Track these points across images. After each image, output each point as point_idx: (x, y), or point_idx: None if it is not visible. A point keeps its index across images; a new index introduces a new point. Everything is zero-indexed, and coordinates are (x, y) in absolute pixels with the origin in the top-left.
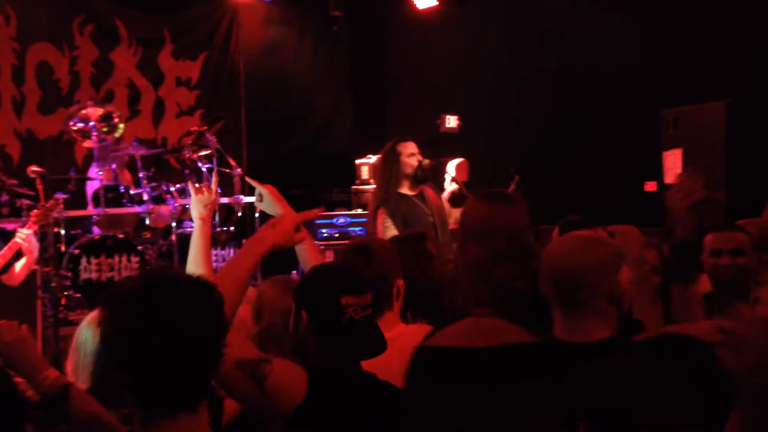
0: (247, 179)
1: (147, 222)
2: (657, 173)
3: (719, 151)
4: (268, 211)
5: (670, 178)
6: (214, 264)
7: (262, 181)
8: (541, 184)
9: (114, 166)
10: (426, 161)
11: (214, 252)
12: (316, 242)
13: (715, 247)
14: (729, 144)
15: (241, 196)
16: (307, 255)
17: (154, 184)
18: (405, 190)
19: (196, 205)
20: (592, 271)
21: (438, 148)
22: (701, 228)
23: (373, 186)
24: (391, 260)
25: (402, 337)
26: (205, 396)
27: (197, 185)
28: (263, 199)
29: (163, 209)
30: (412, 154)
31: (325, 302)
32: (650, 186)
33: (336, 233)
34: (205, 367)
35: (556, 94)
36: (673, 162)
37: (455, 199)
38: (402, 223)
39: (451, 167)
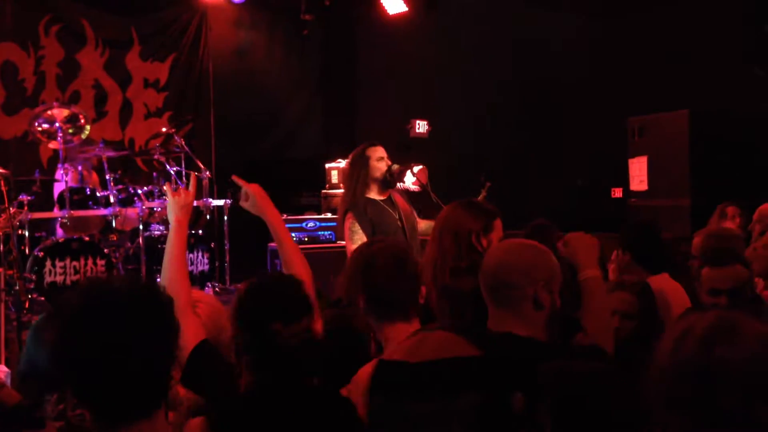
0: (234, 179)
1: (114, 225)
2: (623, 180)
3: (683, 158)
4: (253, 210)
5: (635, 185)
6: None
7: (231, 184)
8: (509, 190)
9: (80, 167)
10: (395, 166)
11: None
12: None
13: (713, 286)
14: (693, 151)
15: (210, 199)
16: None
17: (121, 186)
18: (373, 194)
19: (173, 207)
20: (519, 274)
21: (408, 153)
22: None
23: (342, 190)
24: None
25: None
26: (162, 399)
27: (174, 187)
28: (248, 198)
29: (130, 212)
30: (381, 158)
31: (254, 328)
32: (617, 192)
33: (305, 237)
34: (157, 375)
35: (524, 102)
36: (638, 169)
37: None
38: (370, 228)
39: (410, 175)
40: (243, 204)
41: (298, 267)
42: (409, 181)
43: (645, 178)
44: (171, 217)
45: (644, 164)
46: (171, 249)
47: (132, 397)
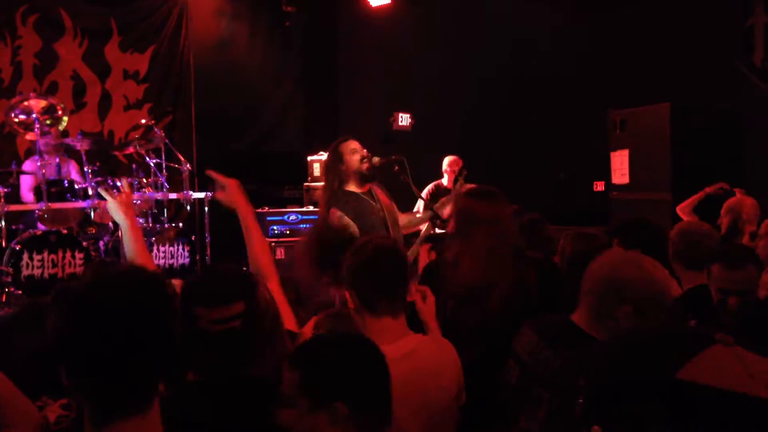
0: (210, 173)
1: (92, 217)
2: (605, 174)
3: (665, 151)
4: (227, 203)
5: (617, 178)
6: (163, 261)
7: (212, 178)
8: (491, 183)
9: (57, 159)
10: (376, 159)
11: (162, 248)
12: (267, 239)
13: (722, 286)
14: (674, 144)
15: (190, 192)
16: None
17: (99, 178)
18: (352, 188)
19: (113, 210)
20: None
21: (390, 146)
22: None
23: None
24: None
25: (418, 352)
26: (155, 396)
27: (106, 190)
28: (225, 189)
29: None
30: (354, 151)
31: (182, 313)
32: (599, 186)
33: (287, 230)
34: (158, 367)
35: (507, 95)
36: (620, 162)
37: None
38: (354, 218)
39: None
40: (219, 195)
41: (264, 264)
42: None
43: (626, 171)
44: (119, 218)
45: (626, 157)
46: (129, 249)
47: (131, 386)
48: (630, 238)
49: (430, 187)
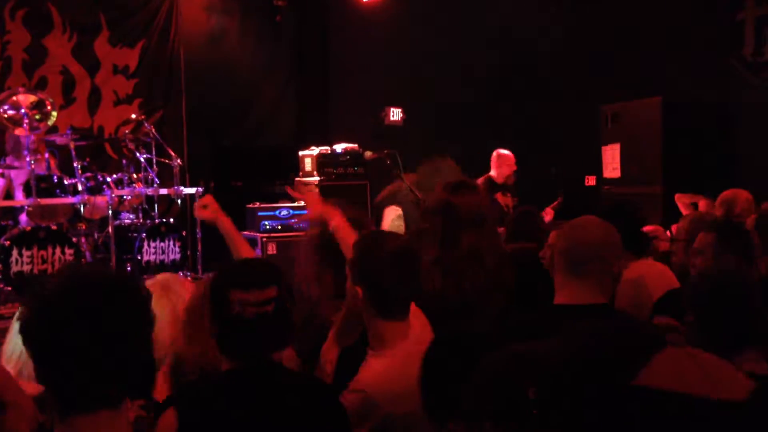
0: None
1: (82, 213)
2: (597, 168)
3: (656, 146)
4: (208, 218)
5: (608, 172)
6: (154, 256)
7: (203, 173)
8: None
9: (47, 155)
10: (368, 153)
11: (153, 244)
12: (258, 234)
13: None
14: (665, 138)
15: (181, 187)
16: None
17: (89, 174)
18: None
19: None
20: (610, 248)
21: (382, 140)
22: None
23: (316, 179)
24: None
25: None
26: (128, 392)
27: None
28: (206, 208)
29: (99, 200)
30: None
31: (216, 297)
32: (590, 180)
33: (278, 225)
34: (128, 365)
35: (498, 89)
36: (611, 156)
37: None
38: None
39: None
40: (199, 214)
41: None
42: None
43: (618, 165)
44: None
45: (617, 152)
46: (233, 243)
47: (99, 382)
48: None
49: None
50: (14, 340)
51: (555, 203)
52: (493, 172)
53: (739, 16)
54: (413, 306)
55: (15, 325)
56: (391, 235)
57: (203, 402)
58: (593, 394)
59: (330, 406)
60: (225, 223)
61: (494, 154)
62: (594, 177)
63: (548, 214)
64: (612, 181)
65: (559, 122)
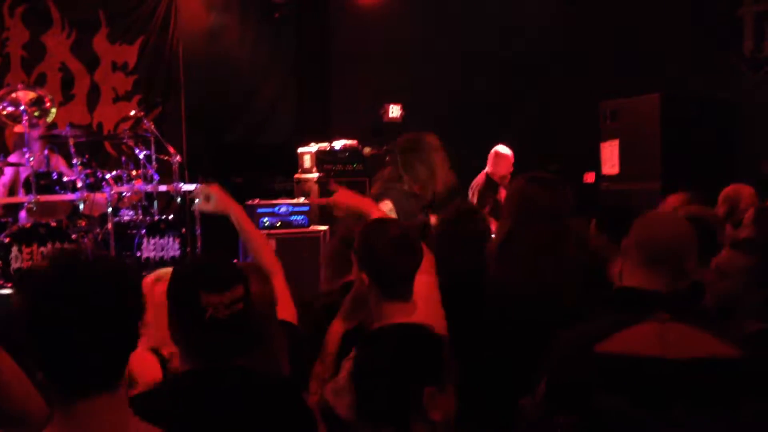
0: (195, 204)
1: (81, 210)
2: (596, 165)
3: (655, 142)
4: (214, 210)
5: (607, 168)
6: (153, 253)
7: (203, 169)
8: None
9: (46, 152)
10: (367, 149)
11: (152, 240)
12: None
13: None
14: (664, 135)
15: (180, 184)
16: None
17: (88, 170)
18: None
19: (214, 204)
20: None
21: (381, 137)
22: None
23: (315, 176)
24: None
25: None
26: (123, 374)
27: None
28: (209, 199)
29: (99, 196)
30: None
31: (184, 300)
32: (589, 177)
33: (278, 222)
34: (121, 348)
35: (499, 86)
36: (610, 153)
37: None
38: None
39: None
40: (204, 207)
41: (267, 260)
42: None
43: (617, 162)
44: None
45: (616, 148)
46: (247, 235)
47: (95, 365)
48: (606, 221)
49: (479, 179)
50: None
51: None
52: (489, 169)
53: (739, 12)
54: (426, 288)
55: None
56: (392, 222)
57: (166, 405)
58: (576, 364)
59: (298, 408)
60: (237, 214)
61: (493, 152)
62: (593, 174)
63: None
64: (611, 178)
65: (559, 119)
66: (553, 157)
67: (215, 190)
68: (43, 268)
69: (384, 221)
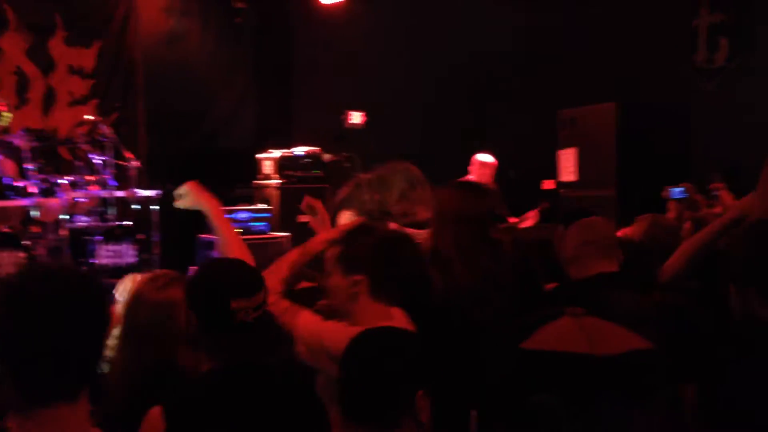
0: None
1: (35, 216)
2: (554, 171)
3: (610, 150)
4: (190, 205)
5: (565, 175)
6: (109, 260)
7: (162, 174)
8: (443, 181)
9: (1, 156)
10: (327, 156)
11: (108, 247)
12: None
13: None
14: (619, 142)
15: (138, 190)
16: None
17: (42, 176)
18: None
19: (189, 200)
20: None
21: (343, 143)
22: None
23: (276, 182)
24: None
25: None
26: (88, 384)
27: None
28: (184, 195)
29: (53, 202)
30: None
31: (214, 306)
32: (548, 184)
33: (238, 229)
34: (85, 358)
35: (459, 93)
36: (567, 160)
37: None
38: None
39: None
40: (180, 204)
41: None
42: None
43: (574, 169)
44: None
45: (573, 156)
46: (220, 232)
47: (57, 375)
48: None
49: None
50: None
51: (540, 207)
52: (472, 177)
53: (693, 23)
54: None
55: None
56: (370, 225)
57: (194, 402)
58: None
59: (315, 403)
60: (211, 210)
61: (475, 159)
62: (552, 181)
63: (529, 218)
64: (568, 185)
65: (518, 126)
66: (513, 164)
67: (191, 186)
68: (9, 279)
69: (371, 226)
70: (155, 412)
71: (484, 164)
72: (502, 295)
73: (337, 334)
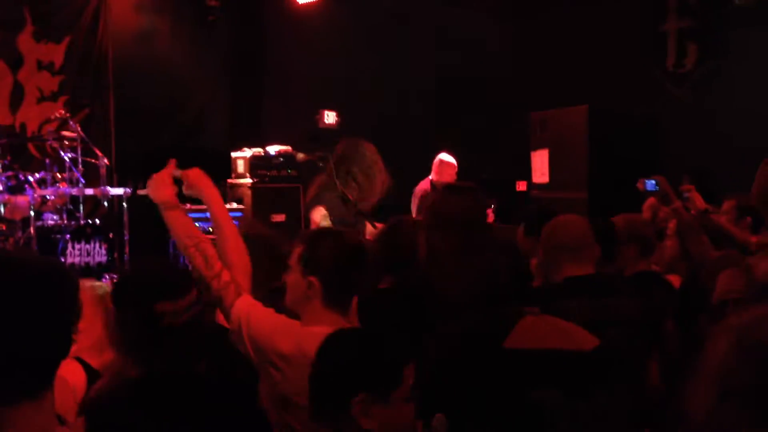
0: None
1: (2, 213)
2: (527, 173)
3: (582, 152)
4: (192, 193)
5: (537, 177)
6: (79, 258)
7: (133, 172)
8: (417, 183)
9: None
10: (300, 155)
11: (78, 246)
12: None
13: (724, 298)
14: (591, 145)
15: (108, 188)
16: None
17: (10, 173)
18: None
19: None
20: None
21: (317, 143)
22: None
23: (249, 181)
24: None
25: None
26: (51, 382)
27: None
28: (185, 182)
29: (20, 200)
30: None
31: (138, 309)
32: (521, 185)
33: (209, 227)
34: (52, 355)
35: (433, 95)
36: (540, 162)
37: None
38: None
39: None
40: (186, 191)
41: (229, 250)
42: None
43: (546, 170)
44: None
45: (545, 157)
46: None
47: (20, 372)
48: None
49: (423, 186)
50: None
51: (490, 208)
52: (434, 177)
53: (662, 28)
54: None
55: None
56: (337, 231)
57: (116, 410)
58: (471, 362)
59: (253, 414)
60: (208, 198)
61: (437, 160)
62: (525, 182)
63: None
64: (540, 186)
65: (491, 128)
66: (487, 165)
67: (194, 173)
68: None
69: (331, 231)
70: (81, 420)
71: (447, 164)
72: (497, 297)
73: (289, 332)
